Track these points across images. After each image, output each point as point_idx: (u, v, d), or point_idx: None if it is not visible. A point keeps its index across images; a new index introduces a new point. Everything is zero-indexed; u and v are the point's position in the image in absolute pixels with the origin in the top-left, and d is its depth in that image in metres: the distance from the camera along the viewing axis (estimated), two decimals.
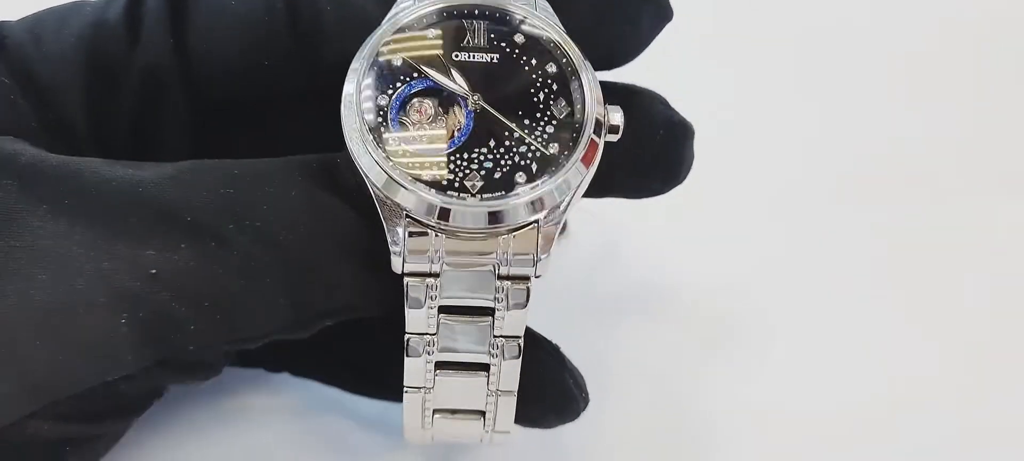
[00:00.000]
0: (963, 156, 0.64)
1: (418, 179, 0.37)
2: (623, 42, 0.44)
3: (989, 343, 0.54)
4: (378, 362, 0.46)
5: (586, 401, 0.44)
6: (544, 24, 0.40)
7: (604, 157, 0.40)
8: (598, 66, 0.44)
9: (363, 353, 0.47)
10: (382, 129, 0.38)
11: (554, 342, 0.44)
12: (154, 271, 0.37)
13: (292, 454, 0.46)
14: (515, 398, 0.42)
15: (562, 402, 0.43)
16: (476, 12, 0.40)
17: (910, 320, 0.55)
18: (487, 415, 0.42)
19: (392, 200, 0.37)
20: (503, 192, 0.38)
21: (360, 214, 0.39)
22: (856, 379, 0.52)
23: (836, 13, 0.72)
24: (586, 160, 0.39)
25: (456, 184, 0.38)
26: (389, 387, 0.45)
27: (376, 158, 0.37)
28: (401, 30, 0.39)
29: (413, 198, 0.37)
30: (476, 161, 0.38)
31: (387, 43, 0.39)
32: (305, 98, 0.44)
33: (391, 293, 0.39)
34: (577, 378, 0.43)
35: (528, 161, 0.38)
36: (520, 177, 0.38)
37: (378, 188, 0.37)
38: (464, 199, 0.37)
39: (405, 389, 0.41)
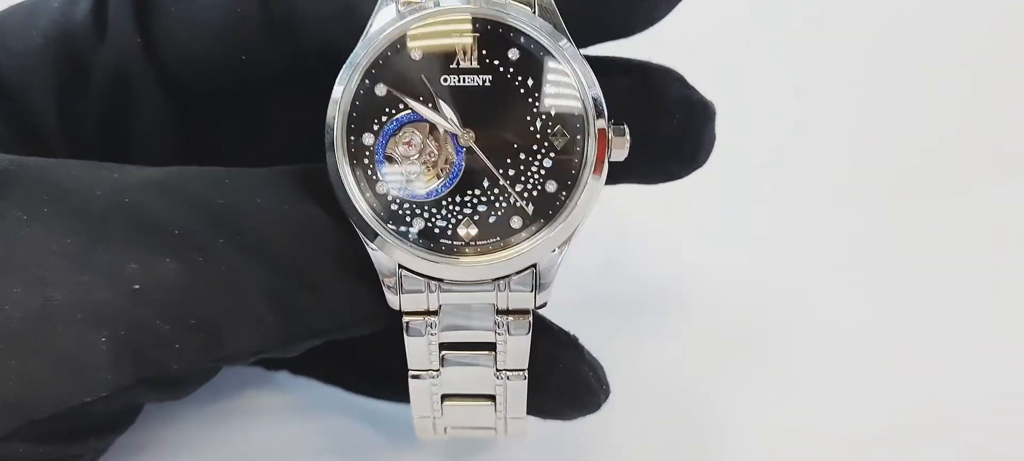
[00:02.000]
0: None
1: (407, 235, 0.36)
2: (637, 16, 0.39)
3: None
4: (377, 361, 0.45)
5: (606, 393, 0.42)
6: (539, 32, 0.36)
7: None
8: (609, 37, 0.40)
9: (362, 351, 0.46)
10: (370, 172, 0.36)
11: (572, 334, 0.42)
12: (137, 286, 0.35)
13: (292, 454, 0.47)
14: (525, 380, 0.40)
15: (581, 394, 0.42)
16: (466, 26, 0.36)
17: (932, 332, 0.53)
18: (498, 398, 0.41)
19: (383, 254, 0.36)
20: (499, 239, 0.36)
21: (351, 227, 0.37)
22: (875, 390, 0.50)
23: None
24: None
25: (449, 231, 0.36)
26: (388, 387, 0.45)
27: (364, 211, 0.36)
28: (387, 51, 0.36)
29: (405, 257, 0.36)
30: (469, 204, 0.36)
31: (372, 68, 0.36)
32: (287, 81, 0.41)
33: (382, 309, 0.38)
34: (596, 370, 0.42)
35: (524, 202, 0.36)
36: (516, 221, 0.36)
37: (370, 244, 0.36)
38: (457, 260, 0.36)
39: (410, 374, 0.40)
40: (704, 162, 0.42)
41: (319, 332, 0.39)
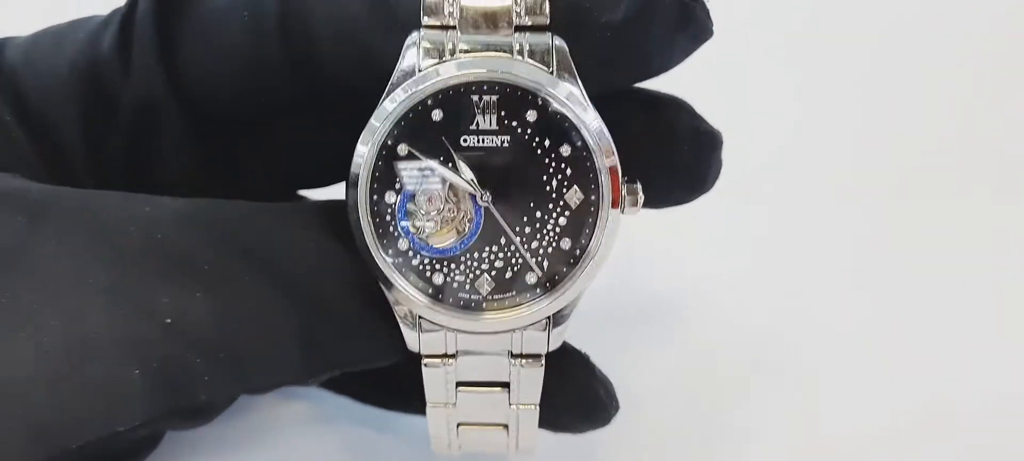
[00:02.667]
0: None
1: (427, 292, 0.37)
2: (653, 64, 0.40)
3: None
4: (388, 374, 0.45)
5: (616, 407, 0.45)
6: (558, 99, 0.37)
7: (631, 167, 0.38)
8: (624, 85, 0.41)
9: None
10: (391, 229, 0.37)
11: (583, 352, 0.45)
12: (169, 320, 0.36)
13: None
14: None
15: (592, 409, 0.44)
16: (485, 88, 0.37)
17: (935, 335, 0.54)
18: (510, 425, 0.44)
19: (403, 306, 0.38)
20: (514, 293, 0.38)
21: None
22: (880, 395, 0.52)
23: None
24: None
25: (467, 286, 0.38)
26: (399, 398, 0.47)
27: (385, 268, 0.37)
28: (409, 112, 0.37)
29: (426, 309, 0.38)
30: (487, 261, 0.38)
31: (394, 129, 0.37)
32: (307, 110, 0.42)
33: (401, 343, 0.40)
34: (607, 386, 0.44)
35: (540, 258, 0.38)
36: (531, 277, 0.38)
37: (389, 294, 0.38)
38: (476, 317, 0.37)
39: (429, 405, 0.42)
40: (711, 188, 0.44)
41: (341, 364, 0.41)
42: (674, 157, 0.42)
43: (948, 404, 0.51)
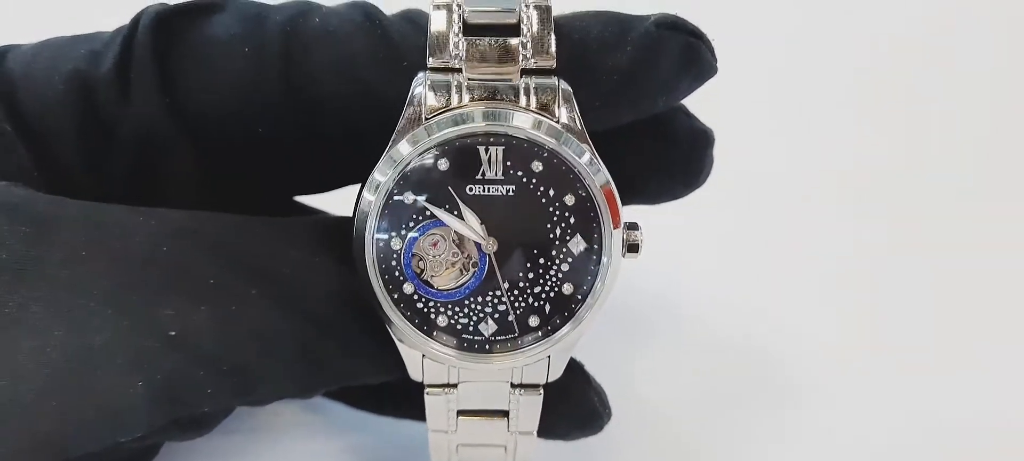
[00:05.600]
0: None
1: (432, 333, 0.38)
2: (658, 103, 0.41)
3: None
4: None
5: (609, 416, 0.46)
6: (564, 150, 0.37)
7: (629, 165, 0.40)
8: (630, 120, 0.41)
9: None
10: (396, 274, 0.38)
11: (578, 360, 0.46)
12: (173, 333, 0.37)
13: None
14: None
15: (586, 418, 0.46)
16: (492, 139, 0.37)
17: (932, 344, 0.55)
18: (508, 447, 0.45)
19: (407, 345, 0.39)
20: (516, 336, 0.39)
21: None
22: (877, 405, 0.53)
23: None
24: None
25: (470, 328, 0.39)
26: (393, 404, 0.48)
27: (390, 311, 0.38)
28: (415, 162, 0.37)
29: (429, 348, 0.39)
30: (490, 304, 0.39)
31: (401, 178, 0.37)
32: (309, 139, 0.42)
33: (401, 362, 0.40)
34: (601, 394, 0.46)
35: (541, 302, 0.39)
36: (533, 320, 0.39)
37: (392, 333, 0.39)
38: (478, 359, 0.39)
39: (430, 432, 0.44)
40: (704, 183, 0.45)
41: (342, 379, 0.42)
42: (671, 154, 0.44)
43: (946, 417, 0.53)
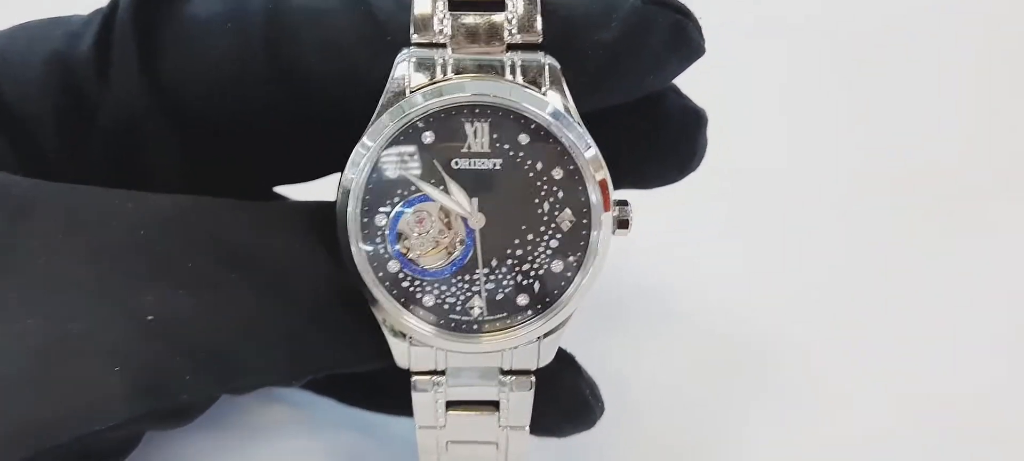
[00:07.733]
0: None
1: (417, 312, 0.37)
2: (646, 83, 0.40)
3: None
4: (372, 376, 0.45)
5: (601, 410, 0.45)
6: (549, 122, 0.36)
7: (620, 147, 0.39)
8: (619, 102, 0.41)
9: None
10: (381, 251, 0.37)
11: (569, 352, 0.45)
12: (151, 318, 0.36)
13: None
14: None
15: (578, 411, 0.44)
16: (477, 110, 0.36)
17: (928, 341, 0.55)
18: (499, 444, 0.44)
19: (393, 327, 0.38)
20: (506, 315, 0.38)
21: None
22: (871, 399, 0.53)
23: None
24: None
25: (458, 307, 0.38)
26: (382, 399, 0.47)
27: (375, 290, 0.37)
28: (400, 135, 0.36)
29: (415, 329, 0.38)
30: (478, 283, 0.38)
31: (386, 152, 0.36)
32: (295, 119, 0.42)
33: (387, 348, 0.39)
34: (593, 388, 0.45)
35: (531, 280, 0.38)
36: (523, 298, 0.38)
37: (377, 314, 0.38)
38: (466, 339, 0.38)
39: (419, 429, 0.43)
40: (697, 166, 0.44)
41: (325, 367, 0.40)
42: (662, 135, 0.43)
43: (941, 412, 0.52)
